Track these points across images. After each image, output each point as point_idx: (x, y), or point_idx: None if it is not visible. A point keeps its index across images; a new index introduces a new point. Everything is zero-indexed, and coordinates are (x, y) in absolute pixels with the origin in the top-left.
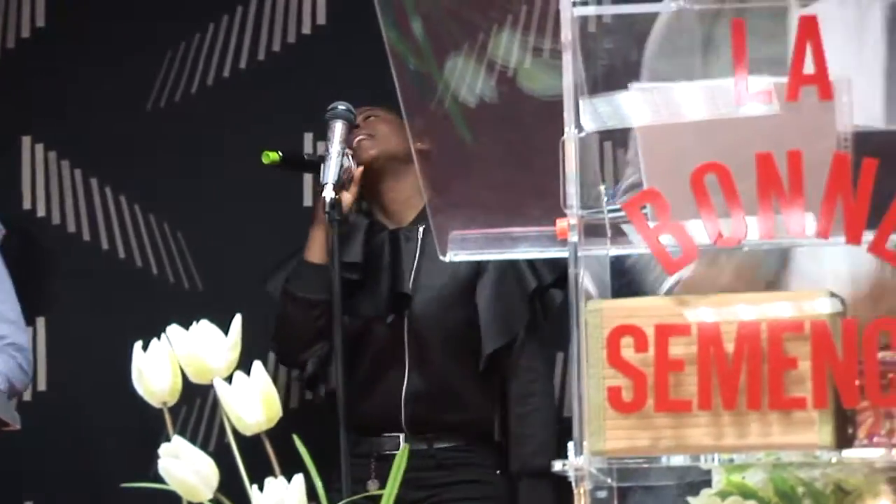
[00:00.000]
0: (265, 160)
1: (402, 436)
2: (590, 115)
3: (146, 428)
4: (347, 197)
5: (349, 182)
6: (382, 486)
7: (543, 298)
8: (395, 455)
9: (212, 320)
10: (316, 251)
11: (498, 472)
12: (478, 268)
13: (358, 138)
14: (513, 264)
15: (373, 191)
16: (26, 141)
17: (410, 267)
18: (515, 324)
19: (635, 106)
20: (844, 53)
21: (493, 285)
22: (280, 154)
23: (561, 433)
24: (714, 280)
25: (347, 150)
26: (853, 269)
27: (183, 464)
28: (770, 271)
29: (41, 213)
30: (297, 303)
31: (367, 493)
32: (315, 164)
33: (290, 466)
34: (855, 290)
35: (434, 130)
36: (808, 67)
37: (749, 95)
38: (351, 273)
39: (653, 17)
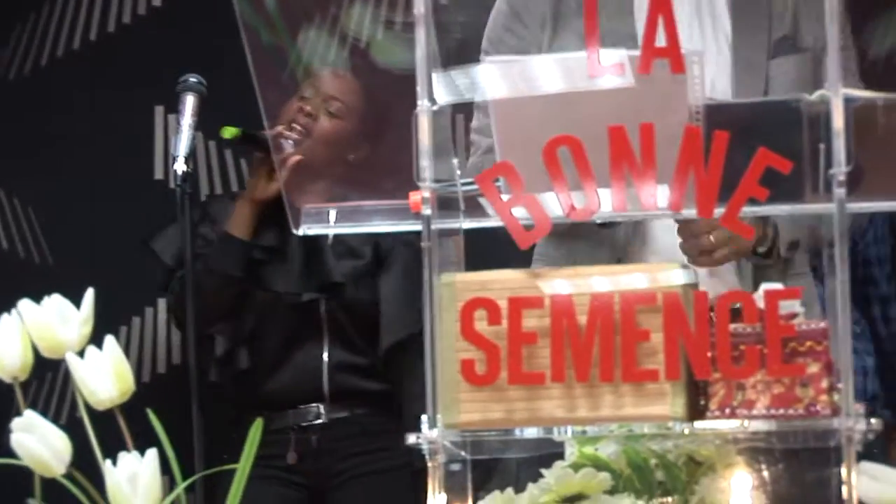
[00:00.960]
0: (226, 135)
1: (321, 406)
2: (446, 88)
3: None
4: (275, 186)
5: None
6: (300, 458)
7: None
8: (315, 426)
9: (63, 295)
10: (240, 226)
11: None
12: (380, 254)
13: (294, 135)
14: (417, 259)
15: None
16: None
17: (328, 246)
18: (415, 321)
19: (493, 78)
20: (691, 28)
21: (396, 279)
22: (240, 130)
23: None
24: None
25: (288, 133)
26: None
27: (36, 438)
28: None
29: None
30: (213, 276)
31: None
32: (264, 141)
33: (145, 440)
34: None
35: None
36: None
37: (602, 68)
38: (264, 255)
39: None
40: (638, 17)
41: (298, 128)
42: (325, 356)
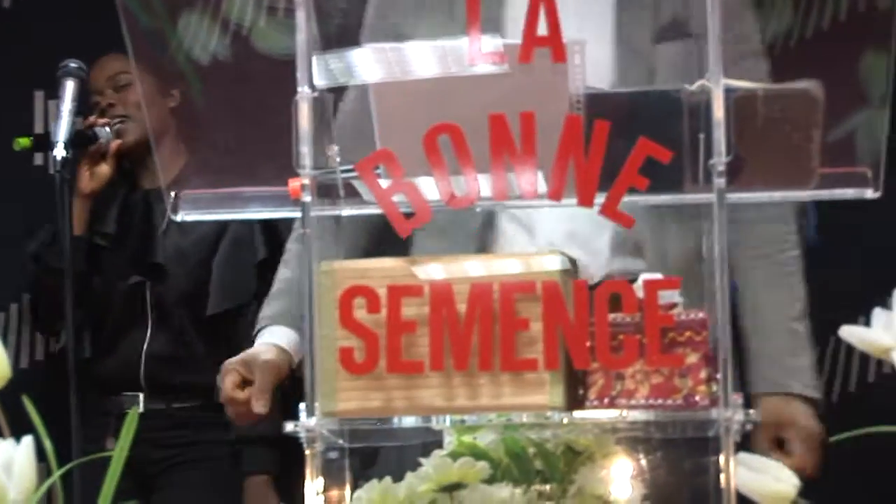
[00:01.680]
0: (17, 148)
1: (141, 395)
2: (321, 72)
3: None
4: (105, 169)
5: (106, 155)
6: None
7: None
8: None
9: None
10: (73, 223)
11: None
12: (221, 231)
13: (115, 123)
14: (249, 231)
15: (133, 155)
16: None
17: (161, 229)
18: (242, 292)
19: (367, 63)
20: (579, 17)
21: (228, 250)
22: (31, 139)
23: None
24: None
25: (104, 122)
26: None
27: None
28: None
29: None
30: (52, 273)
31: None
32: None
33: (22, 427)
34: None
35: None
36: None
37: (482, 56)
38: (103, 241)
39: None
40: (508, 4)
41: (120, 122)
42: (145, 345)
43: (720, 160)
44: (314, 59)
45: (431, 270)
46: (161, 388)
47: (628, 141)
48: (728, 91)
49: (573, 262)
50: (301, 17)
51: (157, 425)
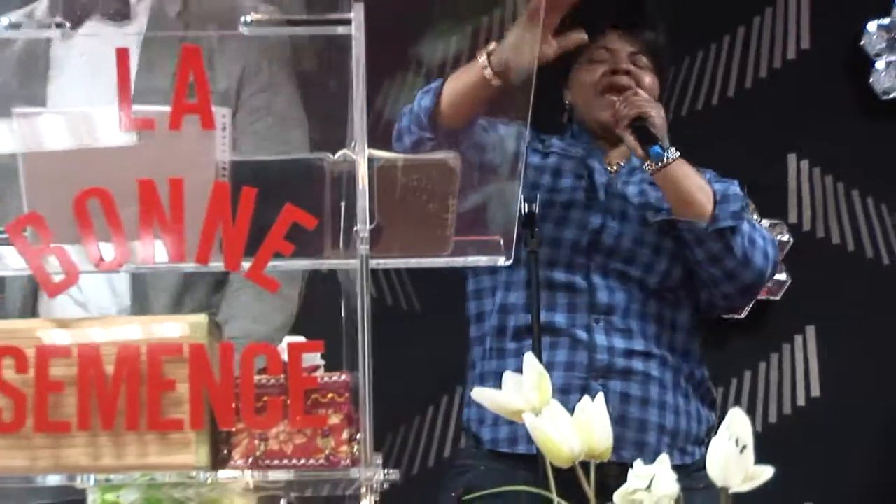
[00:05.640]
0: None
1: None
2: None
3: None
4: None
5: None
6: None
7: None
8: None
9: None
10: None
11: None
12: None
13: None
14: None
15: None
16: None
17: None
18: None
19: (21, 131)
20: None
21: None
22: None
23: None
24: None
25: None
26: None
27: None
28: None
29: None
30: None
31: None
32: None
33: None
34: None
35: None
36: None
37: (131, 123)
38: None
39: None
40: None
41: None
42: None
43: (364, 227)
44: None
45: (83, 335)
46: None
47: (276, 207)
48: (370, 160)
49: (218, 325)
50: None
51: None
